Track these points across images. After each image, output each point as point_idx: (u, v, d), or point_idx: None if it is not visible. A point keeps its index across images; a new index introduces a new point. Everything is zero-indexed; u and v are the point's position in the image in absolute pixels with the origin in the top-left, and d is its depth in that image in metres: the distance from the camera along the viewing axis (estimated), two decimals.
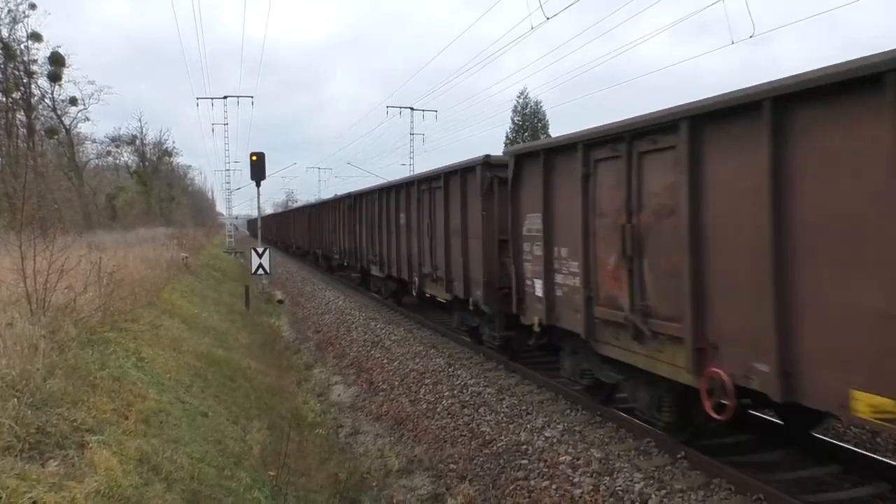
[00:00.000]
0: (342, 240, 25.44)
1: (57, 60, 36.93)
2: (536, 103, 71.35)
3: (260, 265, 23.34)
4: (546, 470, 7.33)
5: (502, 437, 8.45)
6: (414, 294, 16.49)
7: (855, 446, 7.13)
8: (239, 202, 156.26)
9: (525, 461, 7.67)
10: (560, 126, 75.73)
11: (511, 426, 8.73)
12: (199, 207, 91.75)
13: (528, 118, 71.54)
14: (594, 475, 6.95)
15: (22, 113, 35.33)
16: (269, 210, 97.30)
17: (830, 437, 7.30)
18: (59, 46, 37.39)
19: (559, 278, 8.89)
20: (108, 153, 51.46)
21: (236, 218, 71.33)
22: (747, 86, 5.63)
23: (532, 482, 7.17)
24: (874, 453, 6.84)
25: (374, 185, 21.58)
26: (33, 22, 35.93)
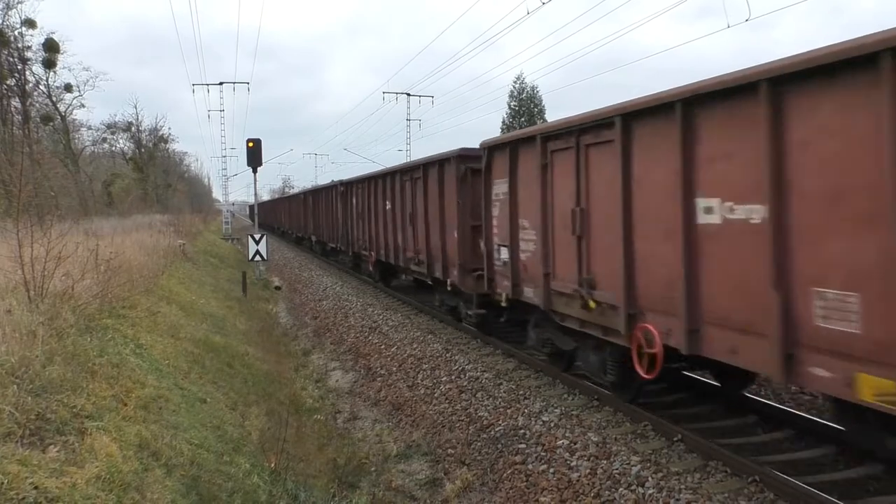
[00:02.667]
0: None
1: (51, 47, 36.59)
2: (533, 88, 71.09)
3: (257, 252, 23.33)
4: (544, 454, 7.39)
5: (500, 422, 8.49)
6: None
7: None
8: (236, 188, 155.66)
9: (523, 445, 7.72)
10: (562, 109, 75.74)
11: (509, 411, 8.77)
12: (195, 194, 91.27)
13: (525, 103, 71.27)
14: (591, 459, 7.00)
15: (17, 100, 35.07)
16: (265, 196, 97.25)
17: (825, 420, 7.35)
18: (54, 33, 37.11)
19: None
20: (104, 140, 51.18)
21: (233, 204, 71.23)
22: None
23: (530, 466, 7.22)
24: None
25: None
26: (27, 8, 35.70)
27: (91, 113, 74.76)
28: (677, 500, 6.00)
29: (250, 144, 25.65)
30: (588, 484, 6.55)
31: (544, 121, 59.53)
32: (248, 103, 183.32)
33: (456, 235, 12.45)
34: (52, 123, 39.86)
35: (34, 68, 36.76)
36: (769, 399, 8.39)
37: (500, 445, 7.91)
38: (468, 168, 12.06)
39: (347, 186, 23.63)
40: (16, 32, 34.38)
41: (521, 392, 9.38)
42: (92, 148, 49.32)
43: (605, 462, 6.87)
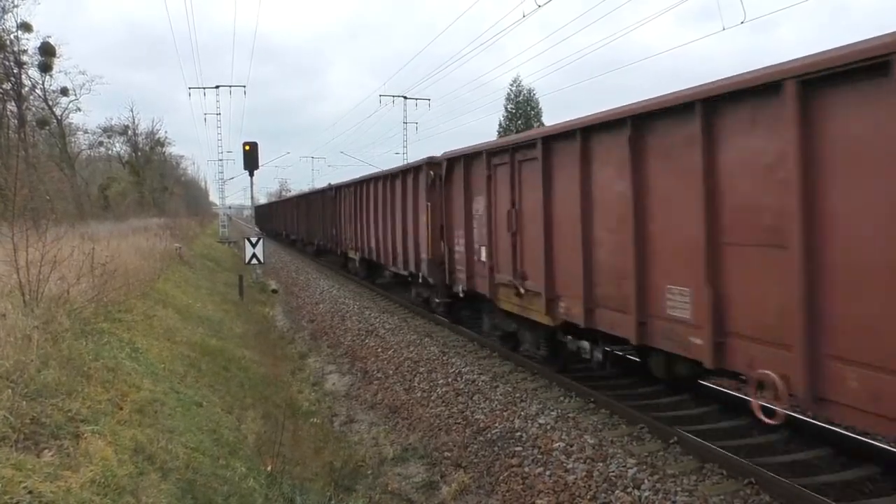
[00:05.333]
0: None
1: (48, 51, 36.57)
2: (529, 91, 71.22)
3: (253, 255, 23.33)
4: (540, 456, 7.38)
5: (496, 425, 8.49)
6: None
7: (845, 430, 7.19)
8: (232, 192, 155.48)
9: (519, 448, 7.72)
10: (561, 111, 75.81)
11: (505, 413, 8.77)
12: (192, 197, 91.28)
13: (522, 106, 71.36)
14: (588, 461, 7.00)
15: (13, 103, 35.03)
16: (262, 200, 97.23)
17: (821, 422, 7.35)
18: (50, 36, 37.10)
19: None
20: (101, 144, 51.24)
21: (230, 207, 71.19)
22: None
23: (526, 469, 7.22)
24: (864, 437, 6.90)
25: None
26: (23, 12, 35.63)
27: (87, 116, 74.74)
28: (673, 502, 6.00)
29: (247, 147, 25.64)
30: (584, 486, 6.55)
31: (541, 124, 59.63)
32: (247, 106, 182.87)
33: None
34: (48, 127, 39.85)
35: (30, 72, 36.77)
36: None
37: (496, 448, 7.90)
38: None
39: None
40: (12, 36, 34.37)
41: (517, 395, 9.37)
42: (88, 151, 49.45)
43: (601, 464, 6.87)
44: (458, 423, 8.93)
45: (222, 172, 54.91)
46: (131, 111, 75.74)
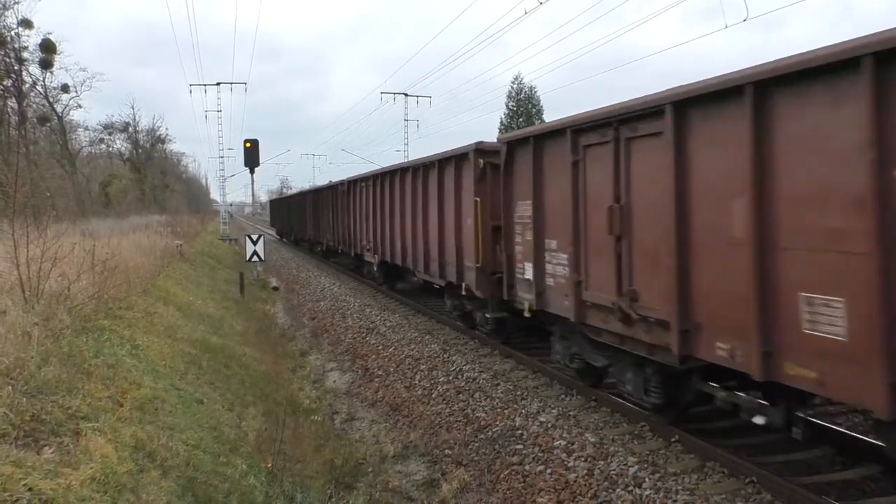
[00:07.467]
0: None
1: (48, 48, 36.48)
2: (531, 88, 71.08)
3: (254, 252, 23.30)
4: (541, 454, 7.38)
5: (497, 423, 8.48)
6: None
7: (847, 430, 7.17)
8: (233, 189, 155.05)
9: (520, 446, 7.71)
10: (562, 109, 75.70)
11: (506, 411, 8.76)
12: (193, 195, 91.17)
13: (523, 103, 71.25)
14: (589, 459, 6.99)
15: (13, 100, 34.97)
16: (263, 197, 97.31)
17: (822, 421, 7.33)
18: (51, 33, 37.03)
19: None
20: (101, 141, 51.19)
21: (230, 205, 71.14)
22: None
23: (527, 467, 7.21)
24: (865, 436, 6.88)
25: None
26: (24, 8, 35.57)
27: (88, 113, 74.79)
28: (674, 500, 5.99)
29: (247, 145, 25.67)
30: (585, 484, 6.54)
31: (542, 121, 59.60)
32: (249, 104, 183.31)
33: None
34: (48, 124, 39.79)
35: (31, 69, 36.71)
36: None
37: (497, 446, 7.89)
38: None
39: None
40: (12, 33, 34.30)
41: (518, 392, 9.36)
42: (89, 149, 49.35)
43: (602, 463, 6.86)
44: (459, 421, 8.92)
45: (223, 169, 54.79)
46: (132, 108, 75.81)
